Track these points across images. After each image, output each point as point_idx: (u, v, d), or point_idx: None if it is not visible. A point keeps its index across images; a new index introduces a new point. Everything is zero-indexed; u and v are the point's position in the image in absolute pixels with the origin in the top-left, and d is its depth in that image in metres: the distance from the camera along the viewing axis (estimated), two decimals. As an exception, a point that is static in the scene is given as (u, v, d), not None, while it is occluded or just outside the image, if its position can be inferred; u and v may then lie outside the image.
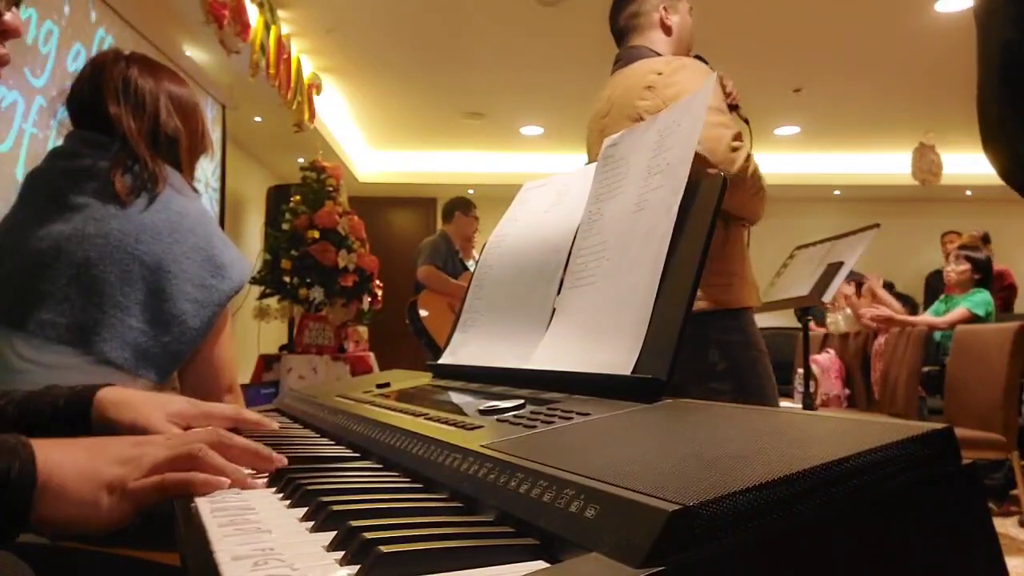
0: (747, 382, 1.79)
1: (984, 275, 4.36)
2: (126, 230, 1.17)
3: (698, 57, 1.96)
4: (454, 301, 4.44)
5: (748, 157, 1.76)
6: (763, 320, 1.92)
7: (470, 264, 4.78)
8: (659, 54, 1.95)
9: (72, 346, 1.13)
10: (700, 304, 1.76)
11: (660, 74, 1.82)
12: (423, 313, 4.46)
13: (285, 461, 0.67)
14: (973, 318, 4.14)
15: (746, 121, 1.98)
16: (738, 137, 1.74)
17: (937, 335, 4.44)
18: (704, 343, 1.79)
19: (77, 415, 0.82)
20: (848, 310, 5.09)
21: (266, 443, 0.70)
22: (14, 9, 0.82)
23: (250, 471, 0.64)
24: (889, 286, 5.26)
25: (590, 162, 2.09)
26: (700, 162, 1.69)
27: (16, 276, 1.17)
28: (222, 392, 1.24)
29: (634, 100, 1.83)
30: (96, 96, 1.26)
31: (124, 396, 0.84)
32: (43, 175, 1.28)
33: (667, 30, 2.01)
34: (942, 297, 4.69)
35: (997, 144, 0.69)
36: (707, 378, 1.78)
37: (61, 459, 0.59)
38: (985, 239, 5.59)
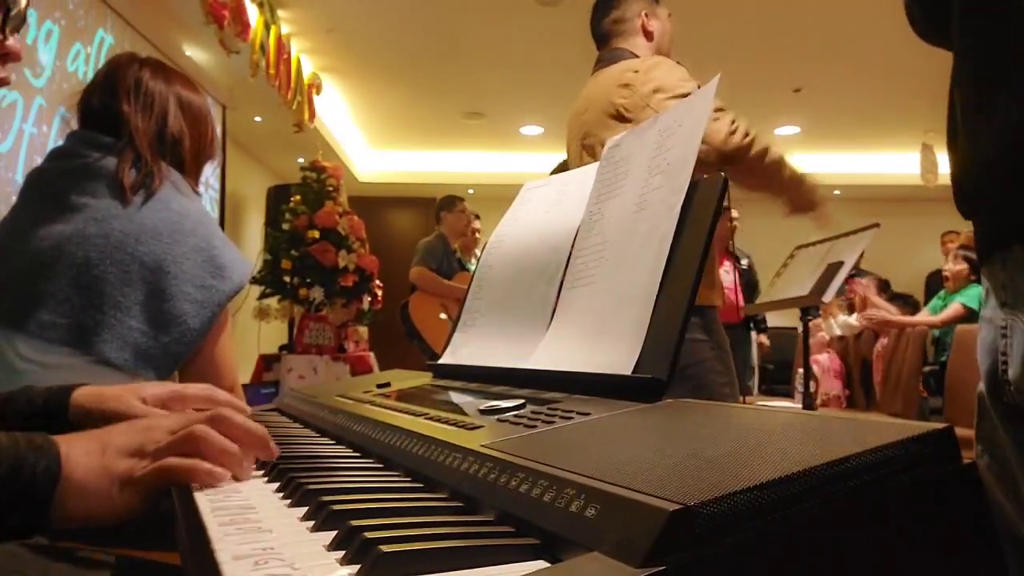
0: (706, 380, 1.80)
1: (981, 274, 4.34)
2: (127, 230, 1.18)
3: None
4: (446, 302, 4.44)
5: (747, 134, 1.78)
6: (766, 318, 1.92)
7: (471, 265, 4.78)
8: (638, 57, 2.02)
9: (72, 347, 1.13)
10: None
11: (636, 72, 1.89)
12: (415, 315, 4.45)
13: (278, 452, 0.68)
14: (968, 312, 4.14)
15: None
16: (734, 121, 1.78)
17: (936, 332, 4.43)
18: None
19: (55, 415, 0.83)
20: (843, 316, 5.10)
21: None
22: (15, 35, 0.83)
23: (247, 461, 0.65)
24: (885, 284, 5.25)
25: (569, 159, 2.14)
26: (704, 156, 1.75)
27: (17, 277, 1.17)
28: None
29: (612, 97, 1.90)
30: (109, 97, 1.29)
31: (96, 392, 0.85)
32: (43, 175, 1.28)
33: (648, 35, 2.09)
34: (940, 294, 4.68)
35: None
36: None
37: (80, 457, 0.61)
38: None
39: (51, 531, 0.90)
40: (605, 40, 2.12)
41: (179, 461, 0.60)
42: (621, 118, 1.87)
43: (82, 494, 0.60)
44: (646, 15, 2.09)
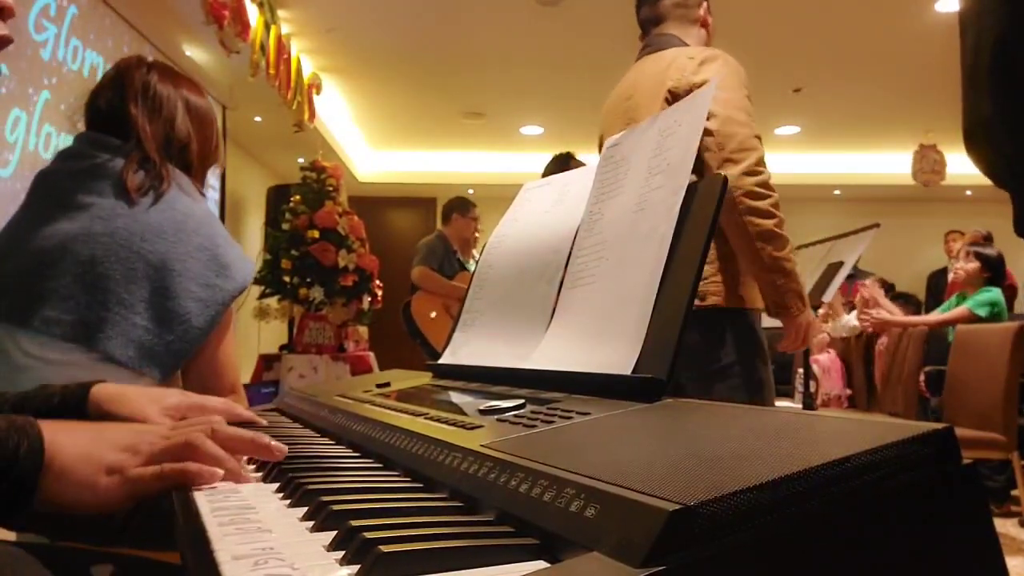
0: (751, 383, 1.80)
1: (994, 273, 4.30)
2: (132, 228, 1.18)
3: None
4: (449, 302, 4.43)
5: (758, 165, 1.71)
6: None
7: (470, 265, 4.77)
8: (687, 45, 1.97)
9: (77, 343, 1.13)
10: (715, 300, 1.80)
11: (691, 58, 1.83)
12: (417, 315, 4.44)
13: (285, 450, 0.68)
14: (973, 318, 4.11)
15: None
16: (757, 137, 1.71)
17: (949, 335, 4.40)
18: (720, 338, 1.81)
19: (73, 411, 0.83)
20: (846, 317, 5.10)
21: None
22: None
23: (250, 464, 0.65)
24: (889, 287, 5.24)
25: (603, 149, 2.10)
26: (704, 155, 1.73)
27: (21, 274, 1.17)
28: (225, 391, 1.24)
29: (665, 81, 1.82)
30: (117, 99, 1.30)
31: (119, 391, 0.85)
32: (50, 176, 1.29)
33: (706, 27, 2.04)
34: (954, 297, 4.63)
35: (983, 142, 0.69)
36: (715, 377, 1.79)
37: (65, 441, 0.61)
38: (988, 238, 5.57)
39: (43, 526, 0.90)
40: (655, 23, 2.02)
41: (173, 466, 0.60)
42: (670, 103, 1.80)
43: (66, 478, 0.59)
44: (708, 8, 2.03)
